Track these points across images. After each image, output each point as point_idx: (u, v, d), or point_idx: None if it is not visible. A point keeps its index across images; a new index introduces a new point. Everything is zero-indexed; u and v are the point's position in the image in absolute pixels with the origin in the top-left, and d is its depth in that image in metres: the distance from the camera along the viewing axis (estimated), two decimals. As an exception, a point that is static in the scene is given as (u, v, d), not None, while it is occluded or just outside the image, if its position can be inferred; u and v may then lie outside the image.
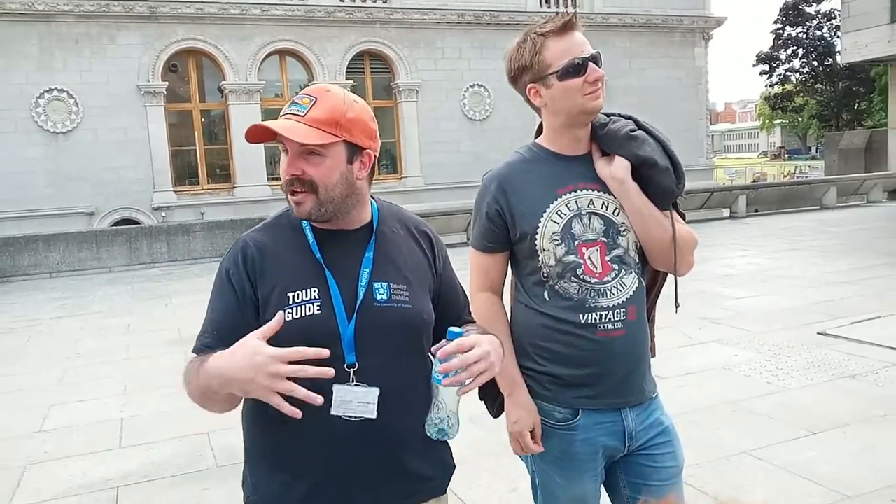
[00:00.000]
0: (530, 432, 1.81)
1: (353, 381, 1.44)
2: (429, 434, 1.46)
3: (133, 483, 3.82)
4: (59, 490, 3.77)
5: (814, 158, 54.18)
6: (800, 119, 52.89)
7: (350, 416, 1.44)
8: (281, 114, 1.48)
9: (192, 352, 1.46)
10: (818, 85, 41.09)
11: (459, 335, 1.41)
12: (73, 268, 12.39)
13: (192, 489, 3.70)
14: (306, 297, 1.45)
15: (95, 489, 3.76)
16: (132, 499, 3.63)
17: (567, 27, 1.73)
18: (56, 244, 12.44)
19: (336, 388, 1.43)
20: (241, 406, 1.51)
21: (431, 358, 1.44)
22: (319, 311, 1.44)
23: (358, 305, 1.47)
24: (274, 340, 1.39)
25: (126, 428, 4.65)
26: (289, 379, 1.28)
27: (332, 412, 1.43)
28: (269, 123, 1.43)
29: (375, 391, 1.44)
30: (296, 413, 1.28)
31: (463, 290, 1.74)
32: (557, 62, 1.72)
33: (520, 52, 1.78)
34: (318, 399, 1.28)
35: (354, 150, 1.48)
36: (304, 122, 1.43)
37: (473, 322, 1.75)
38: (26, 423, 4.82)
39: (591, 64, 1.72)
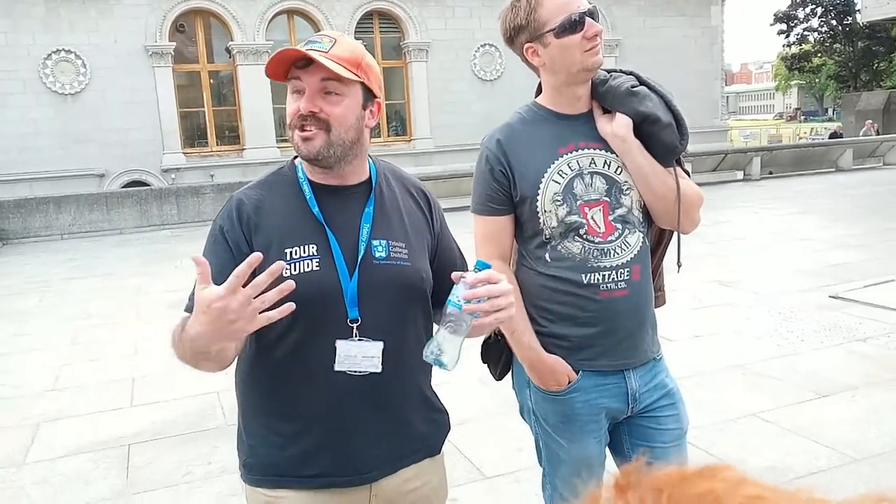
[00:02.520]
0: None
1: (356, 336, 1.43)
2: (425, 358, 1.40)
3: (144, 441, 3.87)
4: (71, 447, 3.82)
5: (830, 120, 53.33)
6: (817, 80, 52.00)
7: (354, 371, 1.43)
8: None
9: (185, 310, 1.43)
10: (836, 44, 40.24)
11: (488, 266, 1.38)
12: (83, 229, 12.44)
13: (201, 447, 3.74)
14: (305, 252, 1.43)
15: (107, 446, 3.81)
16: (143, 456, 3.68)
17: None
18: (67, 206, 12.48)
19: (339, 343, 1.43)
20: (233, 367, 1.49)
21: (456, 281, 1.38)
22: (318, 268, 1.42)
23: (359, 261, 1.46)
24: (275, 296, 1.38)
25: (137, 387, 4.70)
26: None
27: (337, 367, 1.42)
28: (300, 47, 1.39)
29: (380, 345, 1.44)
30: (289, 307, 1.22)
31: (460, 251, 1.71)
32: (553, 19, 1.67)
33: (514, 11, 1.73)
34: (290, 284, 1.23)
35: (369, 96, 1.47)
36: (329, 56, 1.39)
37: None
38: (39, 382, 4.88)
39: (588, 19, 1.66)
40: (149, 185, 15.31)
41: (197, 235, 11.56)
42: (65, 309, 7.10)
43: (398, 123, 19.14)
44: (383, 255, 1.49)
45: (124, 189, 14.52)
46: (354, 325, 1.44)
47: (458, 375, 3.49)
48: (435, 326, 1.43)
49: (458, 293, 1.35)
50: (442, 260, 1.63)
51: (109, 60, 15.77)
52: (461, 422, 3.68)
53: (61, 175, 15.32)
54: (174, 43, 16.49)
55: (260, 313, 1.21)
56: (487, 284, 1.36)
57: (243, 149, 17.47)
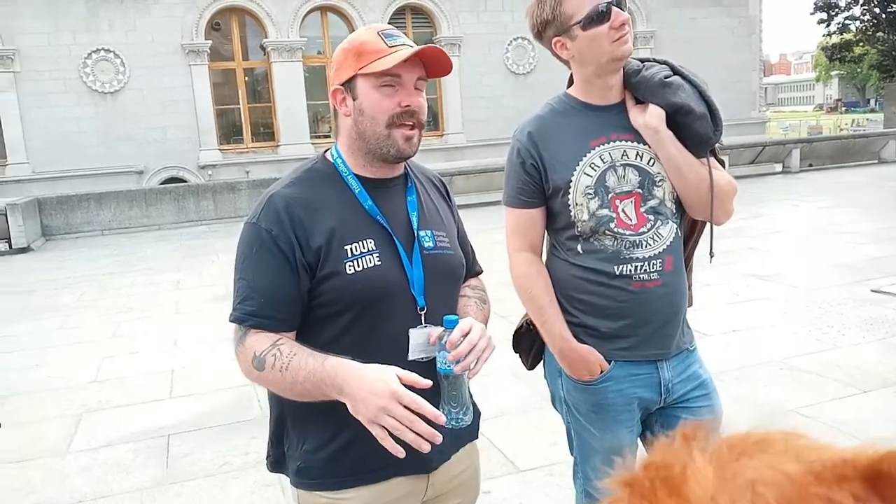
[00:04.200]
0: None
1: (424, 324, 1.44)
2: (445, 425, 1.40)
3: (183, 431, 3.95)
4: (113, 437, 3.92)
5: (872, 111, 51.97)
6: (859, 70, 50.69)
7: (423, 358, 1.44)
8: (389, 45, 1.40)
9: (234, 321, 1.40)
10: (880, 33, 39.09)
11: (456, 321, 1.39)
12: (123, 225, 12.70)
13: (239, 437, 3.81)
14: (364, 248, 1.41)
15: (148, 436, 3.90)
16: (182, 446, 3.75)
17: None
18: (107, 202, 12.75)
19: (412, 332, 1.43)
20: None
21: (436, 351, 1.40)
22: (380, 262, 1.41)
23: (416, 249, 1.47)
24: (340, 293, 1.40)
25: (176, 379, 4.79)
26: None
27: (410, 357, 1.43)
28: (425, 47, 1.40)
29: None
30: (399, 452, 1.26)
31: (469, 241, 1.73)
32: (580, 12, 1.66)
33: (540, 6, 1.73)
34: (426, 447, 1.27)
35: None
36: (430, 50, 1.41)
37: (480, 272, 1.75)
38: (82, 374, 5.01)
39: (614, 8, 1.65)
40: (186, 182, 15.57)
41: (233, 231, 11.71)
42: (106, 303, 7.27)
43: (430, 118, 19.13)
44: (431, 244, 1.50)
45: (162, 185, 14.78)
46: (423, 313, 1.45)
47: (491, 368, 3.48)
48: (442, 404, 1.42)
49: (443, 358, 1.37)
50: (461, 246, 1.65)
51: (147, 59, 16.04)
52: (495, 415, 3.68)
53: (102, 172, 15.65)
54: (210, 41, 16.71)
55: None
56: (464, 338, 1.36)
57: (278, 145, 17.63)
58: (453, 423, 1.41)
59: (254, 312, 1.38)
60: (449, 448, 1.51)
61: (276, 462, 1.56)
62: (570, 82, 1.84)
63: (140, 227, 12.73)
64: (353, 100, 1.43)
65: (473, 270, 1.71)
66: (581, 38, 1.68)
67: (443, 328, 1.40)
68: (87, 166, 15.66)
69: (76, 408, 4.38)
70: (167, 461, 3.60)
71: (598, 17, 1.65)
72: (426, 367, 1.43)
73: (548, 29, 1.72)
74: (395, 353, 1.41)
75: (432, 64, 1.43)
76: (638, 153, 1.74)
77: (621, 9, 1.67)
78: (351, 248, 1.40)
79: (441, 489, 1.52)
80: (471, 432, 1.59)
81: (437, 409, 1.38)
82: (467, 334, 1.37)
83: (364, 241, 1.42)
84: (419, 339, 1.43)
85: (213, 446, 3.74)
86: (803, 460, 0.29)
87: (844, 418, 3.53)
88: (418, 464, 1.45)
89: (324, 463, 1.45)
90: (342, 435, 1.43)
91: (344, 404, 1.40)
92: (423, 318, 1.44)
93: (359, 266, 1.40)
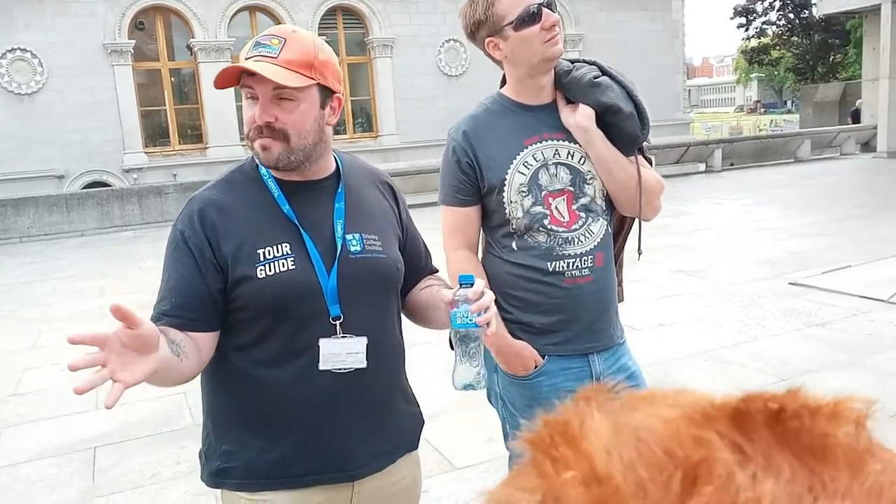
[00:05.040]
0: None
1: (339, 334, 1.41)
2: (459, 387, 1.42)
3: (110, 443, 3.81)
4: (35, 452, 3.75)
5: (789, 112, 54.38)
6: (776, 73, 52.98)
7: (339, 369, 1.41)
8: (245, 56, 1.38)
9: (151, 320, 1.38)
10: (794, 38, 41.06)
11: (472, 278, 1.39)
12: (43, 232, 12.17)
13: (169, 447, 3.70)
14: (278, 252, 1.39)
15: (72, 450, 3.75)
16: (109, 458, 3.63)
17: None
18: (25, 208, 12.19)
19: (322, 342, 1.40)
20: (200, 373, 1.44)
21: (449, 306, 1.38)
22: (294, 266, 1.39)
23: (337, 257, 1.43)
24: (253, 298, 1.37)
25: (101, 391, 4.59)
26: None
27: (321, 367, 1.40)
28: (245, 64, 1.34)
29: (364, 340, 1.43)
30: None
31: (424, 242, 1.73)
32: (511, 13, 1.69)
33: (473, 7, 1.75)
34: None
35: (327, 94, 1.42)
36: (278, 63, 1.34)
37: (436, 272, 1.74)
38: (0, 388, 4.77)
39: (545, 10, 1.69)
40: (110, 186, 15.04)
41: (160, 236, 11.38)
42: (25, 312, 6.95)
43: (364, 120, 19.05)
44: (358, 248, 1.47)
45: (85, 190, 14.23)
46: (337, 323, 1.42)
47: (425, 367, 3.50)
48: (456, 357, 1.42)
49: (465, 313, 1.35)
50: (409, 250, 1.63)
51: (67, 59, 15.42)
52: (431, 414, 3.67)
53: (19, 177, 14.96)
54: (133, 41, 16.19)
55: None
56: (482, 295, 1.37)
57: (206, 147, 17.23)
58: (469, 385, 1.41)
59: (166, 311, 1.38)
60: (381, 457, 1.50)
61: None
62: (503, 82, 1.87)
63: (61, 233, 12.22)
64: None
65: (428, 268, 1.71)
66: (513, 39, 1.71)
67: (458, 287, 1.38)
68: (3, 171, 14.95)
69: (-6, 423, 4.18)
70: (93, 474, 3.47)
71: (529, 18, 1.68)
72: (339, 377, 1.42)
73: (480, 29, 1.75)
74: (308, 362, 1.40)
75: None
76: (569, 152, 1.78)
77: (552, 10, 1.71)
78: (264, 252, 1.39)
79: (370, 500, 1.50)
80: (409, 442, 1.59)
81: (454, 371, 1.41)
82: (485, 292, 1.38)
83: (279, 246, 1.40)
84: (332, 349, 1.41)
85: (141, 457, 3.62)
86: (681, 407, 0.32)
87: (766, 406, 3.68)
88: (342, 471, 1.45)
89: (245, 463, 1.44)
90: (263, 436, 1.43)
91: (271, 406, 1.41)
92: (338, 327, 1.41)
93: (270, 270, 1.38)
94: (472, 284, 1.37)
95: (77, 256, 10.26)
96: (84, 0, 15.58)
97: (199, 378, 1.49)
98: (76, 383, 1.08)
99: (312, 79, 1.37)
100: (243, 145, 16.99)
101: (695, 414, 0.30)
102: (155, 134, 17.30)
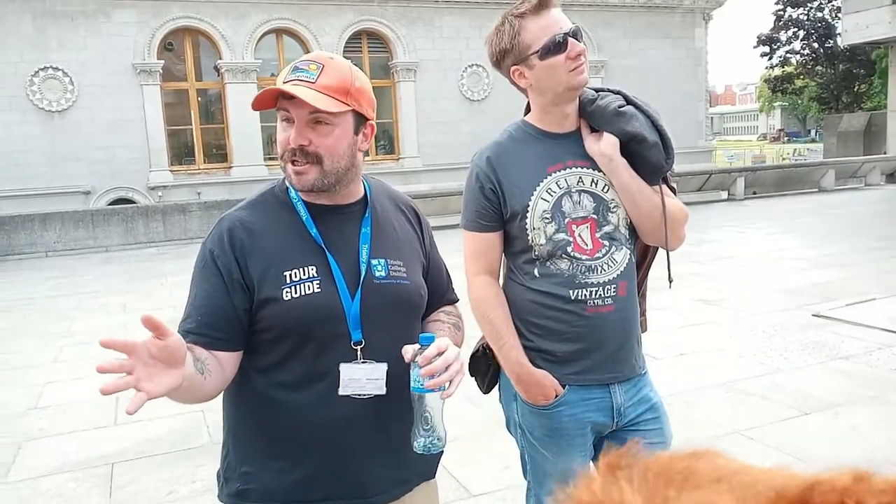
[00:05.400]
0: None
1: (360, 359, 1.42)
2: (416, 449, 1.39)
3: (128, 459, 3.83)
4: (53, 466, 3.78)
5: (813, 141, 54.03)
6: (799, 101, 52.68)
7: (359, 395, 1.41)
8: (283, 79, 1.40)
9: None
10: (818, 67, 40.85)
11: (432, 339, 1.38)
12: (69, 247, 12.35)
13: (187, 465, 3.71)
14: (304, 275, 1.40)
15: (91, 465, 3.77)
16: (127, 475, 3.64)
17: (542, 5, 1.72)
18: (52, 223, 12.40)
19: (343, 367, 1.41)
20: (222, 393, 1.45)
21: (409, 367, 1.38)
22: (319, 290, 1.40)
23: (361, 282, 1.44)
24: (278, 319, 1.38)
25: (121, 405, 4.65)
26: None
27: (341, 392, 1.40)
28: (284, 87, 1.36)
29: (384, 366, 1.43)
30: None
31: (446, 267, 1.73)
32: (537, 42, 1.71)
33: (499, 35, 1.77)
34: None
35: (361, 120, 1.45)
36: (316, 88, 1.36)
37: (456, 301, 1.74)
38: (22, 401, 4.83)
39: (570, 39, 1.70)
40: (135, 203, 15.25)
41: (183, 253, 11.53)
42: (48, 327, 7.04)
43: (386, 142, 19.20)
44: (383, 274, 1.48)
45: (110, 206, 14.45)
46: (358, 348, 1.42)
47: (444, 393, 3.45)
48: (414, 427, 1.39)
49: (416, 376, 1.35)
50: (432, 277, 1.64)
51: (97, 78, 15.75)
52: (448, 440, 3.66)
53: (48, 192, 15.24)
54: (162, 61, 16.51)
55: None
56: (440, 355, 1.35)
57: (231, 167, 17.45)
58: (425, 448, 1.38)
59: (191, 329, 1.38)
60: (399, 485, 1.50)
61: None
62: (528, 110, 1.89)
63: (86, 248, 12.40)
64: None
65: (448, 298, 1.70)
66: (538, 68, 1.72)
67: (417, 345, 1.38)
68: (32, 186, 15.24)
69: (15, 436, 4.22)
70: (111, 490, 3.49)
71: (554, 48, 1.70)
72: (358, 403, 1.42)
73: (506, 58, 1.77)
74: (329, 387, 1.40)
75: (301, 99, 1.37)
76: (593, 180, 1.78)
77: (577, 40, 1.72)
78: (290, 275, 1.40)
79: None
80: (427, 470, 1.58)
81: (410, 432, 1.38)
82: (443, 353, 1.36)
83: (305, 268, 1.41)
84: (353, 374, 1.41)
85: (158, 474, 3.63)
86: (735, 492, 0.30)
87: (787, 440, 3.62)
88: (360, 497, 1.45)
89: (264, 485, 1.44)
90: (283, 458, 1.43)
91: (291, 429, 1.42)
92: (359, 352, 1.42)
93: (296, 293, 1.39)
94: (426, 346, 1.36)
95: (101, 272, 10.39)
96: (116, 21, 15.94)
97: (219, 397, 1.49)
98: (102, 384, 1.09)
99: (348, 105, 1.40)
100: (267, 165, 17.20)
101: None
102: (181, 152, 17.56)
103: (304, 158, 1.40)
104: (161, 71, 16.46)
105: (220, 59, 17.04)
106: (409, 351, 1.38)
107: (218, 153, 17.88)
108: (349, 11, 17.83)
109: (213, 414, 4.22)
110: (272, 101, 1.40)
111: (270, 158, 17.77)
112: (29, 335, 6.75)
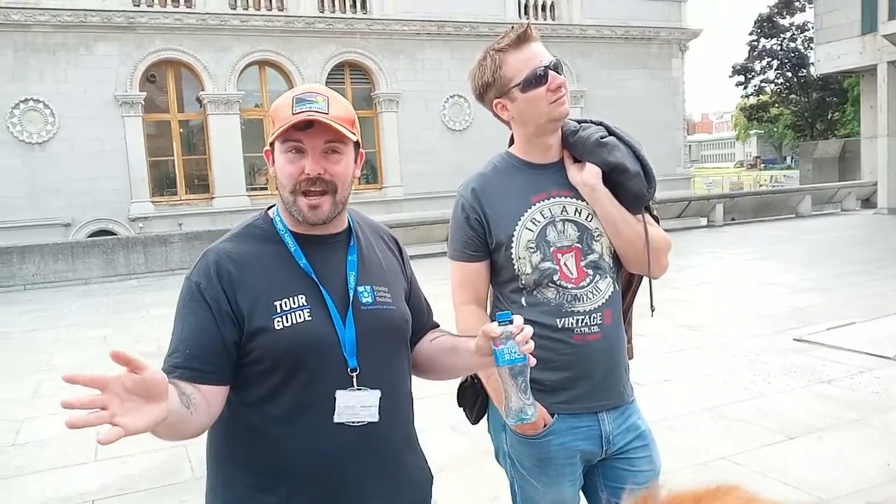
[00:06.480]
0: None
1: (355, 386, 1.41)
2: (510, 422, 1.43)
3: (109, 496, 3.76)
4: (32, 504, 3.70)
5: (789, 168, 54.91)
6: (775, 129, 53.61)
7: (353, 422, 1.41)
8: (291, 112, 1.39)
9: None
10: (792, 95, 41.70)
11: (508, 314, 1.41)
12: (47, 280, 12.21)
13: (169, 501, 3.65)
14: (294, 304, 1.40)
15: (71, 502, 3.70)
16: (108, 512, 3.57)
17: (522, 39, 1.75)
18: (31, 256, 12.26)
19: (339, 394, 1.40)
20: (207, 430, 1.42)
21: (494, 342, 1.39)
22: (310, 318, 1.40)
23: (350, 309, 1.45)
24: (269, 349, 1.38)
25: (101, 440, 4.57)
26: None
27: (336, 419, 1.40)
28: (297, 108, 1.38)
29: (377, 393, 1.43)
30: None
31: (425, 297, 1.75)
32: (518, 75, 1.74)
33: (481, 69, 1.80)
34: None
35: (356, 149, 1.49)
36: (331, 119, 1.39)
37: (437, 326, 1.75)
38: (0, 437, 4.74)
39: (551, 72, 1.74)
40: (116, 234, 15.13)
41: (164, 285, 11.44)
42: (27, 361, 6.92)
43: (369, 171, 19.27)
44: (370, 300, 1.49)
45: (90, 238, 14.32)
46: (354, 375, 1.42)
47: (430, 423, 3.45)
48: (507, 391, 1.41)
49: (512, 348, 1.37)
50: (413, 305, 1.64)
51: (79, 110, 15.71)
52: (435, 470, 3.64)
53: (28, 224, 15.09)
54: (144, 93, 16.52)
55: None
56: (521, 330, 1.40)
57: (213, 197, 17.40)
58: (517, 418, 1.41)
59: (179, 364, 1.36)
60: None
61: None
62: (511, 142, 1.92)
63: (66, 281, 12.26)
64: (274, 163, 1.47)
65: (430, 324, 1.72)
66: (520, 100, 1.76)
67: (496, 322, 1.40)
68: (11, 218, 15.09)
69: (-8, 474, 4.13)
70: (91, 528, 3.42)
71: (535, 80, 1.73)
72: (353, 431, 1.41)
73: (489, 91, 1.80)
74: (322, 415, 1.39)
75: (316, 129, 1.40)
76: (577, 209, 1.81)
77: (558, 72, 1.76)
78: (280, 304, 1.40)
79: None
80: (420, 497, 1.57)
81: (503, 410, 1.41)
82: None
83: (295, 297, 1.41)
84: (348, 402, 1.40)
85: (141, 511, 3.57)
86: None
87: (772, 465, 3.64)
88: None
89: None
90: (275, 492, 1.40)
91: (284, 460, 1.40)
92: (354, 380, 1.42)
93: (287, 321, 1.39)
94: (511, 321, 1.39)
95: (81, 305, 10.27)
96: (97, 53, 15.96)
97: (203, 435, 1.46)
98: (68, 417, 1.03)
99: (355, 134, 1.45)
100: (249, 195, 17.18)
101: None
102: (162, 183, 17.49)
103: (320, 187, 1.42)
104: (143, 102, 16.46)
105: (203, 90, 17.09)
106: (495, 328, 1.39)
107: (200, 184, 17.84)
108: (332, 43, 17.99)
109: (194, 447, 4.15)
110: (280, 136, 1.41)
111: (252, 189, 17.76)
112: (6, 370, 6.64)
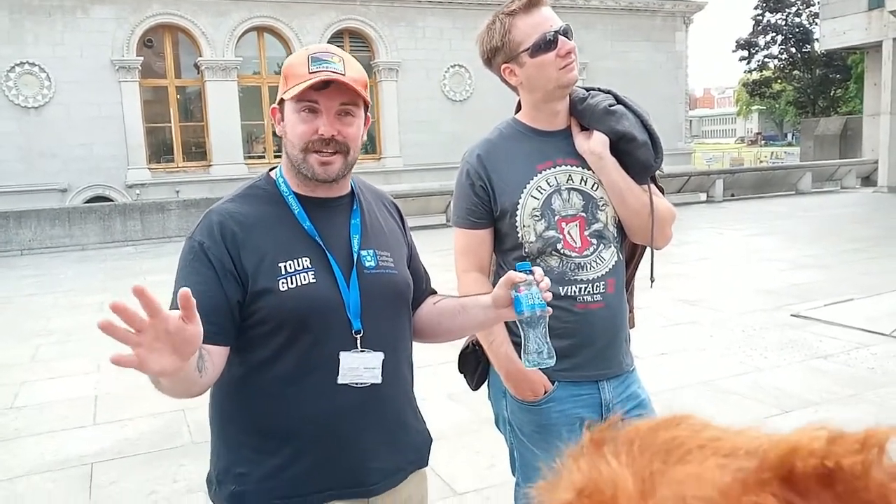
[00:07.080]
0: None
1: (359, 348, 1.42)
2: (530, 365, 1.45)
3: (108, 459, 3.78)
4: (31, 467, 3.72)
5: (790, 145, 54.69)
6: (777, 105, 53.29)
7: (356, 384, 1.42)
8: (308, 70, 1.38)
9: None
10: (796, 71, 41.37)
11: (529, 265, 1.43)
12: (44, 245, 12.17)
13: (167, 465, 3.67)
14: (299, 266, 1.41)
15: (69, 465, 3.72)
16: (107, 475, 3.59)
17: (533, 4, 1.72)
18: (27, 221, 12.21)
19: (343, 355, 1.41)
20: (208, 392, 1.42)
21: (517, 288, 1.40)
22: (315, 280, 1.40)
23: (354, 272, 1.45)
24: (273, 311, 1.38)
25: (100, 405, 4.60)
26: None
27: (340, 380, 1.41)
28: (331, 76, 1.36)
29: (381, 355, 1.44)
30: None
31: (423, 264, 1.74)
32: (527, 40, 1.71)
33: (490, 33, 1.77)
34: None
35: (365, 112, 1.49)
36: (347, 80, 1.38)
37: (435, 293, 1.75)
38: (-3, 400, 4.75)
39: (561, 37, 1.71)
40: (112, 201, 15.06)
41: (161, 252, 11.41)
42: (25, 325, 6.93)
43: (368, 142, 19.12)
44: (373, 264, 1.49)
45: (87, 204, 14.25)
46: (358, 337, 1.42)
47: (428, 391, 3.46)
48: (527, 340, 1.43)
49: (535, 294, 1.38)
50: (414, 271, 1.65)
51: (75, 74, 15.53)
52: (434, 439, 3.66)
53: (23, 189, 15.00)
54: (142, 58, 16.32)
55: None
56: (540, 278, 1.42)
57: (210, 165, 17.30)
58: (536, 360, 1.43)
59: None
60: (395, 473, 1.50)
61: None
62: (518, 108, 1.89)
63: (62, 247, 12.22)
64: (282, 121, 1.45)
65: (429, 291, 1.72)
66: (529, 65, 1.72)
67: (515, 272, 1.41)
68: (7, 183, 14.99)
69: (-10, 436, 4.15)
70: (90, 491, 3.44)
71: (545, 45, 1.70)
72: (357, 392, 1.42)
73: (497, 56, 1.77)
74: (326, 377, 1.40)
75: (332, 89, 1.39)
76: (582, 178, 1.79)
77: (568, 38, 1.72)
78: (285, 266, 1.40)
79: None
80: (420, 458, 1.58)
81: (521, 355, 1.44)
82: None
83: (299, 259, 1.41)
84: (352, 363, 1.41)
85: (139, 475, 3.59)
86: (719, 460, 0.31)
87: (768, 438, 3.66)
88: (359, 487, 1.45)
89: (261, 485, 1.42)
90: (280, 454, 1.42)
91: (289, 422, 1.41)
92: (358, 341, 1.42)
93: (292, 283, 1.39)
94: (532, 271, 1.40)
95: (78, 270, 10.25)
96: (94, 16, 15.73)
97: (203, 397, 1.46)
98: (105, 320, 1.02)
99: (366, 97, 1.45)
100: (247, 163, 17.07)
101: (747, 478, 0.29)
102: (159, 150, 17.37)
103: (333, 148, 1.41)
104: (140, 67, 16.27)
105: (201, 56, 16.89)
106: (516, 276, 1.40)
107: (197, 151, 17.72)
108: (331, 10, 17.76)
109: (193, 412, 4.18)
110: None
111: (250, 157, 17.65)
112: (4, 334, 6.64)
